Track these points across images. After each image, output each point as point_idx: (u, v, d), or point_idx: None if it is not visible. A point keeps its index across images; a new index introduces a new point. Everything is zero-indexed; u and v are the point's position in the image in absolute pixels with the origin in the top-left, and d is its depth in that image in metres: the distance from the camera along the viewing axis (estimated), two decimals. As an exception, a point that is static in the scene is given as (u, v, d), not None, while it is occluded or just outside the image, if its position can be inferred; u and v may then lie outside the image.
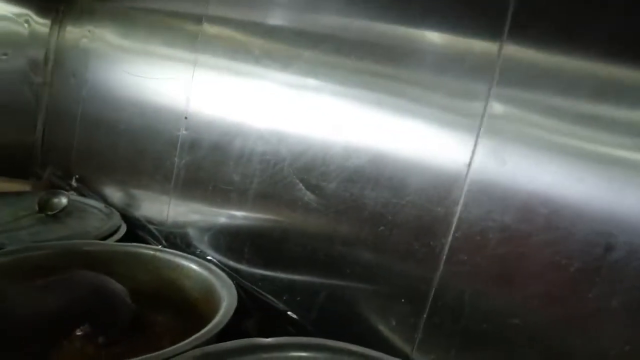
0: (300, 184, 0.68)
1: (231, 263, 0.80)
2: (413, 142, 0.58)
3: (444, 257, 0.55)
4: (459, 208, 0.54)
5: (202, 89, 0.86)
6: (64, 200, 0.97)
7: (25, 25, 1.29)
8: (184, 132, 0.88)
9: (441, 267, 0.56)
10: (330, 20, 0.67)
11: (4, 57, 1.26)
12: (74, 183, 1.17)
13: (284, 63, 0.73)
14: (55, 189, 1.16)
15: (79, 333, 0.64)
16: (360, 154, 0.61)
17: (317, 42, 0.69)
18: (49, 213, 0.94)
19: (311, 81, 0.69)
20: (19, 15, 1.27)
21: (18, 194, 1.04)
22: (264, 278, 0.74)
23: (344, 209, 0.64)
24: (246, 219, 0.78)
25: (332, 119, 0.66)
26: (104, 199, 1.10)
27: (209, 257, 0.84)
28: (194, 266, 0.78)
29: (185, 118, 0.87)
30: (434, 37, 0.57)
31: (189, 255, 0.80)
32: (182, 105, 0.88)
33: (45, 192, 0.99)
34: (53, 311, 0.51)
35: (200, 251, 0.85)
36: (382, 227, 0.60)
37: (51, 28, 1.33)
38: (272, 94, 0.74)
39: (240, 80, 0.80)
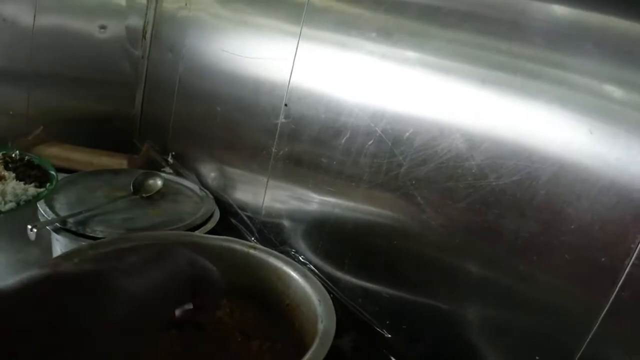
0: (419, 198, 0.57)
1: (329, 271, 0.72)
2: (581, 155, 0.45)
3: (600, 319, 0.43)
4: (630, 261, 0.41)
5: (304, 74, 0.77)
6: (159, 183, 0.95)
7: (123, -4, 1.27)
8: (282, 120, 0.80)
9: (594, 329, 0.44)
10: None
11: (103, 30, 1.25)
12: (170, 160, 1.15)
13: (414, 43, 0.60)
14: (152, 165, 1.16)
15: (178, 313, 0.56)
16: (502, 173, 0.50)
17: (461, 20, 0.56)
18: (144, 195, 0.92)
19: (448, 65, 0.56)
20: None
21: (115, 172, 1.03)
22: (366, 295, 0.66)
23: (473, 236, 0.53)
24: (350, 226, 0.69)
25: (473, 121, 0.53)
26: (199, 179, 1.07)
27: (302, 258, 0.77)
28: (289, 270, 0.71)
29: (285, 105, 0.79)
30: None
31: (285, 257, 0.73)
32: (282, 90, 0.80)
33: (141, 173, 0.97)
34: (154, 287, 0.43)
35: (295, 251, 0.78)
36: (522, 267, 0.49)
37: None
38: (392, 83, 0.63)
39: (351, 64, 0.69)
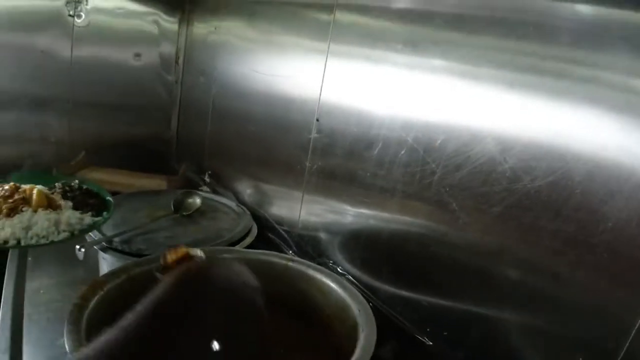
0: (454, 204, 0.58)
1: (367, 280, 0.73)
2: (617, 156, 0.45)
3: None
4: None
5: (334, 89, 0.79)
6: (197, 201, 0.99)
7: (155, 25, 1.32)
8: (315, 135, 0.82)
9: (636, 327, 0.43)
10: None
11: (137, 58, 1.31)
12: (207, 179, 1.18)
13: (439, 52, 0.62)
14: (189, 184, 1.19)
15: None
16: (536, 175, 0.50)
17: (485, 25, 0.56)
18: (184, 214, 0.95)
19: (474, 70, 0.57)
20: (148, 14, 1.30)
21: (155, 192, 1.07)
22: (405, 303, 0.67)
23: (509, 239, 0.53)
24: (386, 235, 0.70)
25: (504, 125, 0.54)
26: (235, 196, 1.10)
27: (340, 269, 0.78)
28: (328, 281, 0.72)
29: (317, 120, 0.81)
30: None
31: (323, 269, 0.74)
32: (313, 105, 0.82)
33: (181, 193, 1.00)
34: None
35: (333, 263, 0.80)
36: (560, 268, 0.49)
37: (179, 26, 1.35)
38: (420, 92, 0.64)
39: (379, 76, 0.70)
